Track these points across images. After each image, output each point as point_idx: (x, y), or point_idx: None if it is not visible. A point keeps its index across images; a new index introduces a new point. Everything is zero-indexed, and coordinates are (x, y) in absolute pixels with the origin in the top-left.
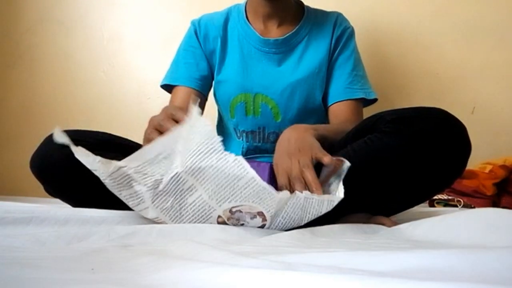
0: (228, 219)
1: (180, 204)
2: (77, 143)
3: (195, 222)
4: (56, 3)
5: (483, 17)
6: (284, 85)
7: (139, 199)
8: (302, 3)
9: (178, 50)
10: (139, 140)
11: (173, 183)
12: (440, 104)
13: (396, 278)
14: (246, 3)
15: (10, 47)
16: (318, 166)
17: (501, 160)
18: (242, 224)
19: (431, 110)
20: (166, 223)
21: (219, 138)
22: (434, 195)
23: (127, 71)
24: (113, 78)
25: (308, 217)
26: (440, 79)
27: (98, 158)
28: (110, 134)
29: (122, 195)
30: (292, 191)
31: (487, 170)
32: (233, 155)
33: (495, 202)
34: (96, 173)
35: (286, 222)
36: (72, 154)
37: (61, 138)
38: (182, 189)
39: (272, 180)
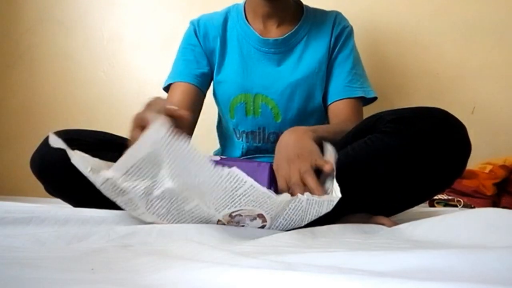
0: (228, 223)
1: (177, 210)
2: (77, 142)
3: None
4: (56, 3)
5: (482, 17)
6: (284, 85)
7: (134, 205)
8: (301, 2)
9: (177, 50)
10: None
11: (167, 195)
12: (440, 103)
13: (396, 278)
14: (245, 3)
15: (10, 47)
16: (317, 169)
17: (501, 160)
18: (243, 226)
19: (431, 110)
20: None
21: (206, 155)
22: (435, 195)
23: (127, 71)
24: (113, 78)
25: (309, 217)
26: (439, 78)
27: (90, 167)
28: (111, 134)
29: (118, 201)
30: (292, 194)
31: (487, 170)
32: (226, 168)
33: (495, 202)
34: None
35: (286, 223)
36: None
37: (56, 143)
38: (177, 199)
39: (272, 181)
